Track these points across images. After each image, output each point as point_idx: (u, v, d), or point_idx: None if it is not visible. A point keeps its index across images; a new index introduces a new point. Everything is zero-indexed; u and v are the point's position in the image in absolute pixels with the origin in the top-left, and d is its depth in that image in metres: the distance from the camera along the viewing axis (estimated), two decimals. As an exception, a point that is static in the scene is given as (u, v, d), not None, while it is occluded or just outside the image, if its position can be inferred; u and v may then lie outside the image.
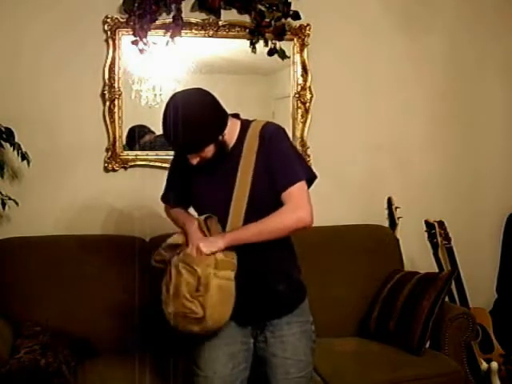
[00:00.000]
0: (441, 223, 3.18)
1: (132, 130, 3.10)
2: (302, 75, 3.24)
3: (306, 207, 1.86)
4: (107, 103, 3.02)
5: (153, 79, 3.07)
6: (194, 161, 1.89)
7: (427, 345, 2.72)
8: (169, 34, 3.01)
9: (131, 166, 3.09)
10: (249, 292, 1.92)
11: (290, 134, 3.20)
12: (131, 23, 2.96)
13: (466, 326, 2.77)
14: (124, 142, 3.08)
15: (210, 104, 1.87)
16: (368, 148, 3.38)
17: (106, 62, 3.01)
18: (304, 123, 3.26)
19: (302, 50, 3.22)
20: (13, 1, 2.92)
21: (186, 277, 1.85)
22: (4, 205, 2.77)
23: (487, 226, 3.60)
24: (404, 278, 2.95)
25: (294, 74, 3.25)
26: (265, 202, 1.89)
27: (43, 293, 2.69)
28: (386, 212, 3.25)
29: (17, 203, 2.81)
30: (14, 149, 2.75)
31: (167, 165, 3.01)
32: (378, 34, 3.35)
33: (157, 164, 3.09)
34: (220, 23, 3.10)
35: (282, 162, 1.89)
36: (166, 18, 3.02)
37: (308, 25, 3.19)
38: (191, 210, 2.12)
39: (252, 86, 3.26)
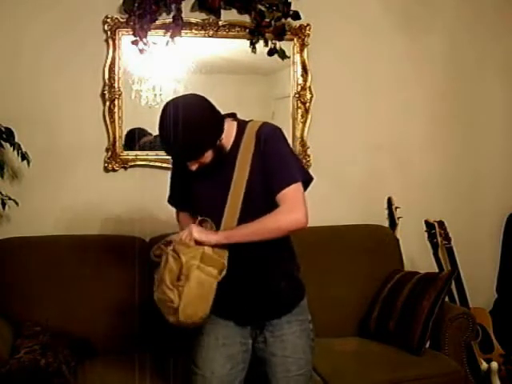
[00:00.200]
0: (441, 223, 3.18)
1: (130, 132, 3.10)
2: (302, 75, 3.24)
3: (301, 208, 1.85)
4: (107, 103, 3.02)
5: (153, 79, 3.07)
6: (193, 167, 1.88)
7: (427, 345, 2.72)
8: (169, 34, 3.01)
9: (131, 166, 3.09)
10: (248, 292, 1.93)
11: (290, 134, 3.21)
12: (131, 23, 2.96)
13: (466, 326, 2.77)
14: (123, 143, 3.08)
15: (206, 110, 1.86)
16: (368, 148, 3.38)
17: (106, 62, 3.01)
18: (304, 123, 3.26)
19: (301, 50, 3.22)
20: (13, 1, 2.92)
21: (171, 264, 1.83)
22: (4, 205, 2.77)
23: (487, 226, 3.60)
24: (404, 278, 2.95)
25: (294, 73, 3.25)
26: (260, 202, 1.89)
27: (43, 293, 2.69)
28: (386, 212, 3.26)
29: (17, 203, 2.81)
30: (14, 149, 2.75)
31: (167, 165, 3.03)
32: (378, 33, 3.35)
33: (157, 164, 3.09)
34: (220, 23, 3.10)
35: (278, 163, 1.88)
36: (166, 18, 3.02)
37: (308, 25, 3.19)
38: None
39: (252, 86, 3.26)
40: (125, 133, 3.07)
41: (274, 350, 1.99)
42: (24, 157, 2.76)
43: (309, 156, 3.25)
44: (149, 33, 2.96)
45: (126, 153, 3.08)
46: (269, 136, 1.90)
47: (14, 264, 2.74)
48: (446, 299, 2.89)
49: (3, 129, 2.73)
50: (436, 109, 3.49)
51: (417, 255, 3.37)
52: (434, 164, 3.51)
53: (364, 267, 3.04)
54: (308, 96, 3.25)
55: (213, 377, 1.97)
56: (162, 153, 3.03)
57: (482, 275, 3.48)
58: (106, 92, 3.01)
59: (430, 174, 3.50)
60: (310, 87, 3.24)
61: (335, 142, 3.32)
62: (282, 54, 3.17)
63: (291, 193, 1.85)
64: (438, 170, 3.51)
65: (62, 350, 2.40)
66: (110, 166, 3.05)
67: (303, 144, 3.26)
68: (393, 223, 3.22)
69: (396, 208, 3.22)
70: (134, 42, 2.97)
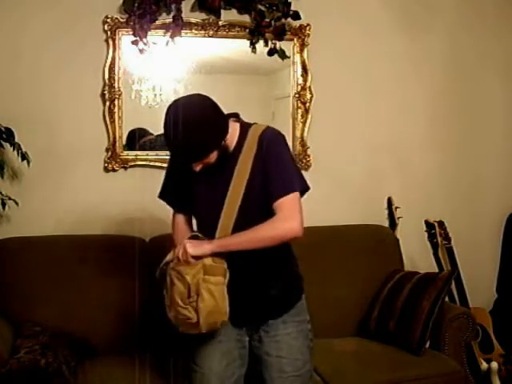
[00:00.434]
0: (441, 223, 3.18)
1: (132, 132, 3.10)
2: (302, 75, 3.24)
3: (297, 218, 1.84)
4: (107, 103, 3.02)
5: (153, 79, 3.07)
6: (198, 168, 1.88)
7: (427, 345, 2.72)
8: (169, 34, 3.01)
9: (131, 166, 3.09)
10: (243, 295, 1.93)
11: (290, 134, 3.21)
12: (131, 23, 2.96)
13: (466, 326, 2.77)
14: (123, 143, 3.07)
15: (212, 110, 1.85)
16: (368, 148, 3.38)
17: (106, 62, 3.01)
18: (304, 123, 3.26)
19: (302, 50, 3.22)
20: (13, 1, 2.92)
21: (178, 285, 1.87)
22: (4, 205, 2.77)
23: (487, 226, 3.60)
24: (404, 278, 2.95)
25: (294, 74, 3.25)
26: (257, 207, 1.89)
27: (43, 293, 2.68)
28: (386, 212, 3.26)
29: (17, 203, 2.81)
30: (14, 149, 2.74)
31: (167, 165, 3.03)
32: (377, 33, 3.35)
33: (157, 164, 3.09)
34: (220, 23, 3.10)
35: (278, 169, 1.88)
36: (166, 18, 3.02)
37: (308, 25, 3.19)
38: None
39: (252, 86, 3.26)
40: (125, 133, 3.07)
41: (268, 350, 1.99)
42: (24, 157, 2.76)
43: (309, 156, 3.25)
44: (149, 33, 2.96)
45: (126, 153, 3.08)
46: (271, 141, 1.91)
47: (14, 264, 2.74)
48: (446, 299, 2.89)
49: (3, 129, 2.73)
50: (436, 109, 3.49)
51: (417, 255, 3.37)
52: (434, 164, 3.51)
53: (364, 267, 3.04)
54: (308, 96, 3.25)
55: (211, 373, 1.98)
56: (162, 153, 3.08)
57: (482, 275, 3.48)
58: (105, 92, 3.01)
59: (429, 174, 3.50)
60: (309, 87, 3.24)
61: (335, 141, 3.32)
62: (282, 54, 3.17)
63: (288, 201, 1.85)
64: (438, 169, 3.51)
65: (62, 350, 2.40)
66: (110, 166, 3.05)
67: (303, 144, 3.25)
68: (393, 223, 3.22)
69: (396, 208, 3.22)
70: (134, 42, 2.97)
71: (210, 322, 1.87)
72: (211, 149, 1.85)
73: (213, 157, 1.86)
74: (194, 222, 2.12)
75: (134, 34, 2.96)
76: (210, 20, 3.10)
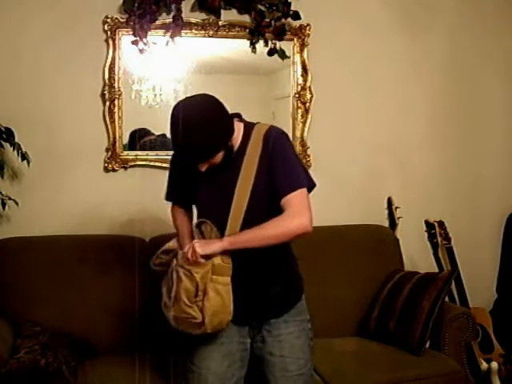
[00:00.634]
0: (441, 223, 3.18)
1: (134, 132, 3.10)
2: (302, 75, 3.24)
3: (306, 213, 1.85)
4: (107, 103, 3.02)
5: (153, 79, 3.07)
6: (203, 168, 1.88)
7: (427, 345, 2.72)
8: (169, 34, 3.01)
9: (131, 166, 3.09)
10: (246, 293, 1.93)
11: (290, 134, 3.21)
12: (131, 23, 2.95)
13: (466, 326, 2.77)
14: (124, 142, 3.07)
15: (218, 111, 1.86)
16: (368, 148, 3.38)
17: (106, 62, 3.01)
18: (304, 123, 3.26)
19: (302, 50, 3.22)
20: (13, 1, 2.92)
21: (186, 282, 1.85)
22: (4, 205, 2.77)
23: (487, 226, 3.60)
24: (404, 278, 2.95)
25: (294, 74, 3.25)
26: (264, 205, 1.89)
27: (43, 293, 2.68)
28: (386, 212, 3.26)
29: (17, 203, 2.81)
30: (14, 149, 2.74)
31: (167, 165, 2.99)
32: (377, 33, 3.35)
33: (157, 164, 3.09)
34: (220, 23, 3.10)
35: (285, 168, 1.89)
36: (166, 18, 3.02)
37: (308, 25, 3.19)
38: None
39: (252, 86, 3.26)
40: (125, 133, 3.07)
41: (271, 350, 1.99)
42: (24, 157, 2.76)
43: (309, 156, 3.25)
44: (149, 33, 2.96)
45: (126, 153, 3.08)
46: (277, 139, 1.91)
47: (14, 264, 2.74)
48: (446, 299, 2.89)
49: (3, 129, 2.73)
50: (436, 109, 3.49)
51: (417, 255, 3.37)
52: (434, 164, 3.51)
53: (364, 267, 3.04)
54: (308, 96, 3.25)
55: (209, 373, 1.98)
56: (162, 153, 3.08)
57: (482, 275, 3.48)
58: (105, 92, 3.01)
59: (429, 174, 3.50)
60: (309, 87, 3.24)
61: (335, 141, 3.32)
62: (282, 54, 3.17)
63: (297, 198, 1.85)
64: (438, 169, 3.51)
65: (62, 350, 2.40)
66: (110, 166, 3.05)
67: (303, 144, 3.26)
68: (393, 223, 3.22)
69: (396, 208, 3.22)
70: (134, 42, 2.97)
71: (215, 322, 1.87)
72: (218, 149, 1.85)
73: (219, 157, 1.87)
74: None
75: (134, 34, 2.96)
76: (210, 20, 3.10)
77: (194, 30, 3.08)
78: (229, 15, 3.12)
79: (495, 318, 3.29)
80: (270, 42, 3.15)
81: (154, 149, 3.10)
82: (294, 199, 1.85)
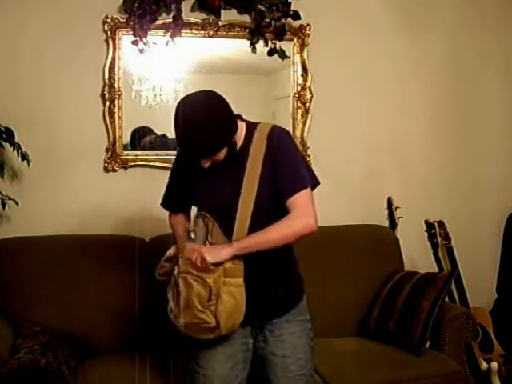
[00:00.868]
0: (441, 223, 3.18)
1: (136, 131, 3.10)
2: (302, 75, 3.24)
3: (311, 213, 1.87)
4: (107, 103, 3.02)
5: (153, 79, 3.07)
6: (206, 164, 1.88)
7: (427, 345, 2.72)
8: (169, 34, 3.01)
9: (131, 166, 3.09)
10: (249, 294, 1.92)
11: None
12: (131, 23, 2.96)
13: (466, 326, 2.77)
14: (124, 142, 3.07)
15: (222, 107, 1.86)
16: (368, 148, 3.38)
17: (106, 62, 3.01)
18: (304, 123, 3.26)
19: (302, 50, 3.22)
20: (13, 1, 2.92)
21: (198, 288, 1.84)
22: (4, 205, 2.77)
23: (487, 226, 3.60)
24: (404, 278, 2.95)
25: (294, 74, 3.25)
26: (269, 206, 1.90)
27: (43, 293, 2.68)
28: (386, 212, 3.26)
29: (17, 203, 2.81)
30: (14, 149, 2.74)
31: (167, 165, 3.02)
32: (377, 33, 3.35)
33: (157, 164, 3.09)
34: (220, 23, 3.10)
35: (290, 166, 1.90)
36: (166, 18, 3.02)
37: (308, 25, 3.19)
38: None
39: (252, 86, 3.26)
40: (125, 133, 3.07)
41: (273, 350, 1.99)
42: (24, 157, 2.76)
43: (309, 156, 3.25)
44: (149, 33, 2.96)
45: (126, 153, 3.08)
46: (282, 138, 1.92)
47: (14, 264, 2.74)
48: (446, 299, 2.89)
49: (3, 129, 2.73)
50: (436, 109, 3.49)
51: (417, 255, 3.37)
52: (434, 164, 3.51)
53: (364, 267, 3.04)
54: (308, 96, 3.25)
55: (214, 374, 1.97)
56: (162, 153, 3.09)
57: (482, 275, 3.48)
58: (105, 92, 3.01)
59: (429, 174, 3.50)
60: (309, 87, 3.24)
61: (335, 142, 3.32)
62: (282, 54, 3.17)
63: (302, 198, 1.87)
64: (438, 169, 3.51)
65: (62, 350, 2.40)
66: (110, 165, 3.05)
67: (303, 144, 3.25)
68: (393, 223, 3.22)
69: (396, 208, 3.22)
70: (134, 42, 2.97)
71: (230, 324, 1.87)
72: (222, 145, 1.85)
73: (222, 153, 1.87)
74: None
75: (134, 34, 2.96)
76: (210, 20, 3.10)
77: (194, 30, 3.08)
78: (229, 15, 3.12)
79: (495, 318, 3.29)
80: (270, 42, 3.15)
81: (154, 149, 3.10)
82: (300, 200, 1.87)
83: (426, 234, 3.20)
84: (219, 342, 1.96)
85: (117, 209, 3.04)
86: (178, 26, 2.99)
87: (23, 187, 2.96)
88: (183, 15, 3.00)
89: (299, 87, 3.25)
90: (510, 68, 3.62)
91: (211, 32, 3.10)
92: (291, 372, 1.99)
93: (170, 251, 2.02)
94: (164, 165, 3.04)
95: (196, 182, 1.99)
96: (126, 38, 3.00)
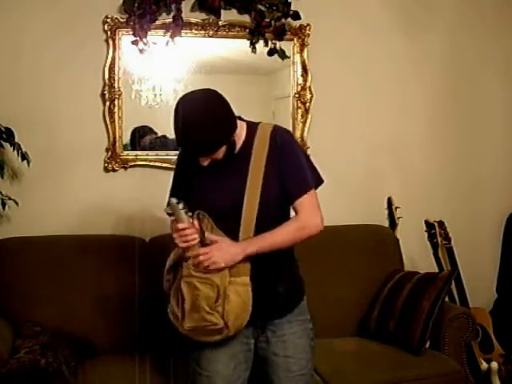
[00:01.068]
0: (441, 223, 3.18)
1: (137, 131, 3.10)
2: (302, 75, 3.24)
3: (318, 214, 1.94)
4: (107, 103, 3.02)
5: (153, 79, 3.07)
6: (205, 162, 1.88)
7: (427, 345, 2.72)
8: (169, 34, 3.01)
9: (131, 166, 3.09)
10: (252, 293, 1.92)
11: (290, 134, 3.21)
12: (131, 23, 2.95)
13: (466, 326, 2.77)
14: (124, 142, 3.07)
15: (221, 105, 1.86)
16: (368, 148, 3.38)
17: (106, 62, 3.01)
18: (304, 123, 3.26)
19: (302, 50, 3.22)
20: (13, 1, 2.92)
21: (205, 290, 1.84)
22: (4, 205, 2.77)
23: (487, 226, 3.60)
24: (404, 278, 2.95)
25: (294, 74, 3.25)
26: (274, 205, 1.91)
27: (43, 293, 2.68)
28: (386, 212, 3.26)
29: (17, 203, 2.81)
30: (14, 149, 2.74)
31: (167, 165, 3.03)
32: (377, 33, 3.35)
33: (157, 164, 3.09)
34: (220, 23, 3.10)
35: (295, 167, 1.92)
36: (166, 18, 3.02)
37: (308, 25, 3.19)
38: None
39: (252, 86, 3.26)
40: (125, 133, 3.06)
41: (275, 350, 1.99)
42: (24, 157, 2.76)
43: (309, 156, 3.24)
44: (149, 33, 2.96)
45: (126, 153, 3.08)
46: (285, 138, 1.94)
47: (14, 264, 2.74)
48: (446, 299, 2.89)
49: (3, 129, 2.73)
50: (436, 109, 3.49)
51: (417, 255, 3.37)
52: (434, 164, 3.51)
53: (364, 267, 3.04)
54: (308, 96, 3.25)
55: (217, 376, 1.97)
56: (162, 153, 3.08)
57: (482, 275, 3.48)
58: (106, 92, 3.01)
59: (429, 174, 3.50)
60: (309, 87, 3.24)
61: (335, 141, 3.32)
62: (282, 54, 3.17)
63: (308, 199, 1.92)
64: (438, 169, 3.51)
65: (62, 350, 2.40)
66: (110, 165, 3.05)
67: (303, 144, 3.25)
68: (393, 223, 3.22)
69: (396, 208, 3.22)
70: (134, 42, 2.97)
71: (238, 323, 1.88)
72: (221, 143, 1.85)
73: (221, 151, 1.86)
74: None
75: (134, 34, 2.96)
76: (210, 20, 3.10)
77: (194, 30, 3.08)
78: (229, 15, 3.12)
79: (495, 318, 3.29)
80: (270, 42, 3.15)
81: (154, 149, 3.10)
82: (306, 201, 1.91)
83: (426, 234, 3.20)
84: (220, 343, 1.96)
85: (117, 209, 3.04)
86: (178, 25, 2.99)
87: (23, 187, 2.95)
88: (183, 15, 3.00)
89: (299, 87, 3.25)
90: (510, 68, 3.61)
91: (211, 32, 3.10)
92: (293, 372, 1.99)
93: (170, 262, 1.99)
94: (164, 165, 3.04)
95: (196, 182, 1.99)
96: (125, 38, 3.00)
